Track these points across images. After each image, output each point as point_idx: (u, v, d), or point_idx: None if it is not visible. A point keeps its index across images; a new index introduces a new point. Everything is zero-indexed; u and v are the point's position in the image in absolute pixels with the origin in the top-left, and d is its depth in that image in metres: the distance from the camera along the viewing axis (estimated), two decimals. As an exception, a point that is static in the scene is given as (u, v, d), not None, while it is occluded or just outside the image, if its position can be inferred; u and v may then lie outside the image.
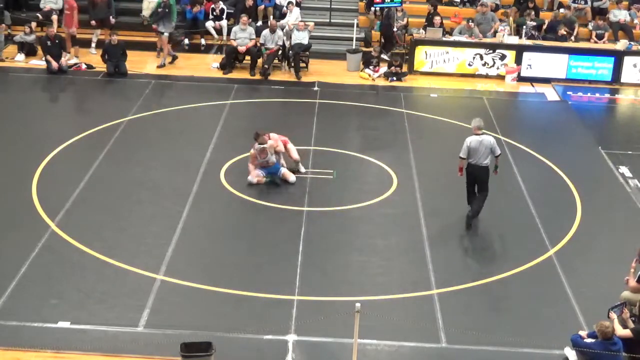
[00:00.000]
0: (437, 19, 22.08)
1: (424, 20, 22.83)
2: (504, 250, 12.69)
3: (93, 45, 21.67)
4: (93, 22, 21.66)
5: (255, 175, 14.19)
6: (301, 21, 21.49)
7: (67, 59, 20.16)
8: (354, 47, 22.27)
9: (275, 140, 14.42)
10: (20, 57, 20.74)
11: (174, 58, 21.08)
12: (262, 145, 14.13)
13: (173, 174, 14.68)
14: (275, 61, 21.01)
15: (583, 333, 9.88)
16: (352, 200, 13.96)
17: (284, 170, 14.40)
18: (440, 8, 23.27)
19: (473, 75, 21.27)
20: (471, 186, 13.28)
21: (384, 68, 20.81)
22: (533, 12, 23.27)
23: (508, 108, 19.50)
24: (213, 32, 22.89)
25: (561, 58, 21.26)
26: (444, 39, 21.43)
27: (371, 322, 10.16)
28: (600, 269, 12.12)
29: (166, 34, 20.81)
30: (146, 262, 11.67)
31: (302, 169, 14.80)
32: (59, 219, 12.79)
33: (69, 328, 10.11)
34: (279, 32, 20.87)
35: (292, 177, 14.37)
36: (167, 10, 20.77)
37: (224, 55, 20.96)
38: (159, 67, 20.71)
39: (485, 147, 12.97)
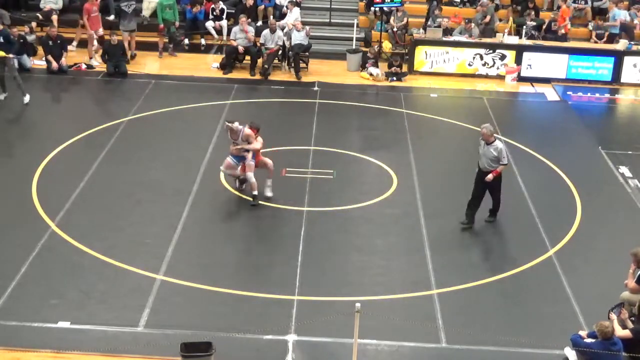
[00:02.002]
0: (438, 20, 22.11)
1: (424, 20, 22.84)
2: (504, 250, 12.68)
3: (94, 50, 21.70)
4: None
5: (224, 165, 13.71)
6: (299, 21, 21.47)
7: (97, 63, 20.51)
8: (354, 47, 22.28)
9: (251, 135, 13.60)
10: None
11: (133, 56, 21.16)
12: (228, 124, 13.51)
13: (173, 174, 14.68)
14: (275, 61, 21.02)
15: (583, 333, 9.89)
16: (352, 200, 13.96)
17: (247, 162, 13.54)
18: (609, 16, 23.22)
19: (473, 75, 21.28)
20: None
21: (378, 70, 20.76)
22: (533, 12, 23.29)
23: (508, 108, 19.51)
24: (213, 32, 22.90)
25: (561, 58, 21.27)
26: (444, 39, 21.44)
27: (371, 322, 10.16)
28: (600, 269, 12.13)
29: (125, 34, 21.01)
30: (146, 262, 11.67)
31: (269, 193, 13.79)
32: (59, 219, 12.79)
33: (69, 328, 10.11)
34: (279, 32, 20.87)
35: (249, 173, 13.50)
36: (120, 7, 21.06)
37: (224, 55, 20.97)
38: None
39: None
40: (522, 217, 13.65)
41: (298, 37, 20.84)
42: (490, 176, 12.77)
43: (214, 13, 22.90)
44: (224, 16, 22.97)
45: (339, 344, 10.02)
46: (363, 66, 21.08)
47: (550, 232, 13.10)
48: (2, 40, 18.12)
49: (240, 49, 20.61)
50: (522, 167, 15.55)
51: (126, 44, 20.94)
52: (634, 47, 21.56)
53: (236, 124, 13.57)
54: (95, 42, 21.45)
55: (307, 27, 21.53)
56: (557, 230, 13.16)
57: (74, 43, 21.62)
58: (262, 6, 23.21)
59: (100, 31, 21.06)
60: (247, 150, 13.58)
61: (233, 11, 23.20)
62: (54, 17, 21.64)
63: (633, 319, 9.99)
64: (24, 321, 10.18)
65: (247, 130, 13.60)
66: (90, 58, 20.61)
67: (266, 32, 20.80)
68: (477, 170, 13.04)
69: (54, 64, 19.67)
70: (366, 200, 13.99)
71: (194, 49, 22.53)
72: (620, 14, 23.30)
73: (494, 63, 21.30)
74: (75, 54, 21.17)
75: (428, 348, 10.15)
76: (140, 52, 21.57)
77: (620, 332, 9.68)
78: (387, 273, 11.80)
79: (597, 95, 20.63)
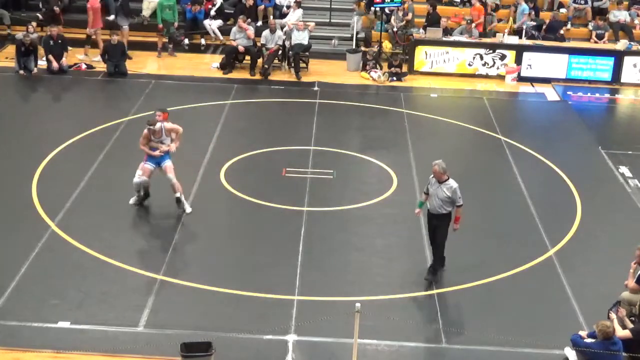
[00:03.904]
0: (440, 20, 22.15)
1: (424, 20, 22.84)
2: (504, 250, 12.67)
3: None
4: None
5: (142, 171, 12.98)
6: (301, 21, 21.50)
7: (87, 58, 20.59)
8: (354, 47, 22.28)
9: (174, 126, 13.21)
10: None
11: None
12: (152, 127, 12.86)
13: (173, 174, 14.67)
14: (275, 61, 21.01)
15: (583, 333, 9.89)
16: (352, 200, 13.95)
17: (167, 164, 13.05)
18: (440, 8, 23.28)
19: (473, 75, 21.27)
20: None
21: (378, 72, 20.71)
22: (533, 12, 23.28)
23: (508, 108, 19.51)
24: (211, 31, 22.90)
25: (561, 58, 21.27)
26: (444, 39, 21.44)
27: (371, 322, 10.16)
28: (600, 269, 12.13)
29: (125, 27, 21.26)
30: (146, 262, 11.67)
31: (187, 209, 13.16)
32: (59, 219, 12.79)
33: (69, 328, 10.11)
34: (279, 32, 20.87)
35: (170, 174, 13.01)
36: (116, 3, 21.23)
37: (224, 55, 20.96)
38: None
39: None
40: (522, 217, 13.65)
41: (298, 37, 20.84)
42: (456, 226, 11.44)
43: (211, 13, 22.94)
44: (212, 14, 22.91)
45: (339, 344, 10.02)
46: (364, 67, 21.03)
47: (550, 232, 13.10)
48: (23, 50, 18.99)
49: (241, 48, 20.61)
50: (522, 167, 15.55)
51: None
52: (634, 47, 21.56)
53: (158, 124, 12.98)
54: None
55: (312, 24, 21.56)
56: (557, 230, 13.16)
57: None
58: (262, 6, 23.21)
59: (93, 30, 21.05)
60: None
61: (232, 11, 23.19)
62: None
63: (633, 318, 10.00)
64: (24, 321, 10.19)
65: (168, 124, 13.07)
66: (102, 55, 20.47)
67: (266, 32, 20.79)
68: (427, 213, 11.59)
69: (55, 64, 19.65)
70: (366, 200, 13.98)
71: (194, 49, 22.51)
72: (525, 9, 22.89)
73: (494, 63, 21.29)
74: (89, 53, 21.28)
75: (428, 348, 10.15)
76: (141, 52, 21.54)
77: (621, 332, 9.68)
78: (387, 273, 11.79)
79: (597, 95, 20.63)
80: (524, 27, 22.66)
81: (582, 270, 12.12)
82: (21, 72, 19.50)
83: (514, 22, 23.16)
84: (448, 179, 11.32)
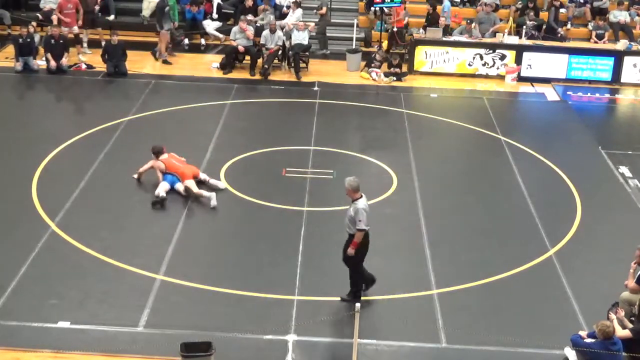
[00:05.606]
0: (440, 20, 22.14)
1: (424, 20, 22.84)
2: (504, 250, 12.67)
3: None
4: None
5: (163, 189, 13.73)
6: (301, 21, 21.50)
7: (68, 59, 20.21)
8: (354, 47, 22.27)
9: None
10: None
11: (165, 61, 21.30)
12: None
13: (173, 174, 14.67)
14: (275, 61, 21.01)
15: (583, 333, 9.89)
16: (352, 200, 13.93)
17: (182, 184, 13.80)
18: (440, 8, 23.28)
19: (473, 75, 21.27)
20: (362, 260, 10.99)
21: (381, 74, 20.70)
22: (533, 12, 23.29)
23: (508, 108, 19.50)
24: (210, 33, 22.90)
25: (561, 58, 21.27)
26: (444, 39, 21.44)
27: (371, 322, 10.15)
28: (600, 269, 12.12)
29: (164, 32, 21.07)
30: (146, 262, 11.67)
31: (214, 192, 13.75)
32: (59, 219, 12.79)
33: (69, 328, 10.11)
34: (279, 33, 20.87)
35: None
36: (165, 9, 20.97)
37: (224, 55, 20.96)
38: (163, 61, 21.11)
39: None
40: (522, 217, 13.65)
41: (298, 37, 20.84)
42: (351, 250, 10.72)
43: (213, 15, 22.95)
44: (214, 17, 22.95)
45: (339, 344, 10.02)
46: (368, 66, 20.95)
47: (550, 232, 13.10)
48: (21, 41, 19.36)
49: (241, 48, 20.61)
50: (522, 167, 15.55)
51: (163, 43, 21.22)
52: (634, 47, 21.56)
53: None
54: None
55: (312, 24, 21.58)
56: (557, 230, 13.16)
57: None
58: (262, 6, 23.19)
59: (75, 29, 21.03)
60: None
61: (232, 11, 23.20)
62: (54, 17, 21.59)
63: (633, 318, 10.00)
64: (24, 321, 10.19)
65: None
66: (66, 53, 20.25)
67: (266, 32, 20.79)
68: None
69: (52, 63, 19.60)
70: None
71: (194, 49, 22.52)
72: (446, 6, 22.87)
73: (494, 63, 21.29)
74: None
75: (428, 348, 10.15)
76: (140, 52, 21.51)
77: (621, 332, 9.68)
78: (387, 273, 11.78)
79: (597, 95, 20.63)
80: (524, 28, 22.66)
81: (582, 270, 12.12)
82: (18, 63, 19.52)
83: (514, 21, 23.17)
84: (360, 197, 10.64)
